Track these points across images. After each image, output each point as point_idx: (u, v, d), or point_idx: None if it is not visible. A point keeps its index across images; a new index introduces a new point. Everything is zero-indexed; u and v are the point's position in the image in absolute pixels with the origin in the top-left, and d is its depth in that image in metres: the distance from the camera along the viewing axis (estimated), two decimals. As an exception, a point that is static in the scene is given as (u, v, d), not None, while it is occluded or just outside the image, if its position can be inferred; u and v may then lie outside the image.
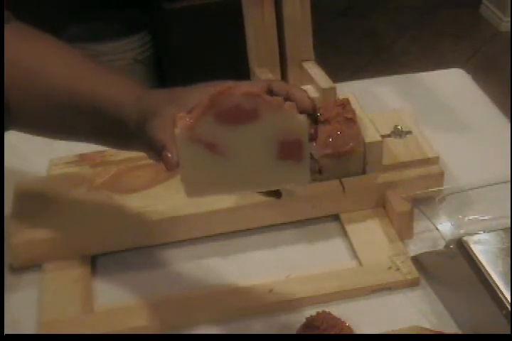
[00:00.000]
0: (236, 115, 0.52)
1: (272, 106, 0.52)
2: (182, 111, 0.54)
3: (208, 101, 0.52)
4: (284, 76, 0.91)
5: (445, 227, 0.75)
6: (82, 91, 0.63)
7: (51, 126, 0.67)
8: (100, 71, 0.66)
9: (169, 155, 0.53)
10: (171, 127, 0.53)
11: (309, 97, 0.56)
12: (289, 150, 0.54)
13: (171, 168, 0.53)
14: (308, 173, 0.55)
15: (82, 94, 0.63)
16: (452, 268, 0.71)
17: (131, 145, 0.63)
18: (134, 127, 0.60)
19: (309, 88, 0.88)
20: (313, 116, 0.56)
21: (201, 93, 0.56)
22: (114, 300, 0.74)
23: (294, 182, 0.56)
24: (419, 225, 0.79)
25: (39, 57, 0.66)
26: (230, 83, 0.55)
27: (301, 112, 0.54)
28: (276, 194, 0.60)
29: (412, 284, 0.73)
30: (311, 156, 0.56)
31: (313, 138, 0.55)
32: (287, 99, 0.55)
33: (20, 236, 0.76)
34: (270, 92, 0.56)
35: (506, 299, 0.63)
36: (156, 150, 0.55)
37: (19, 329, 0.71)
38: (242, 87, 0.53)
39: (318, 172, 0.58)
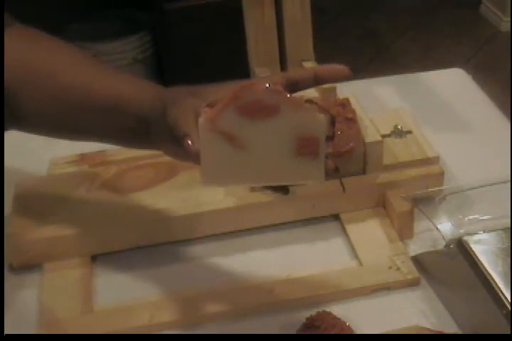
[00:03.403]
0: (257, 109, 0.53)
1: (292, 103, 0.54)
2: (203, 104, 0.56)
3: (231, 95, 0.53)
4: (284, 76, 0.91)
5: (445, 227, 0.75)
6: (99, 90, 0.63)
7: (63, 125, 0.67)
8: (112, 70, 0.67)
9: (190, 142, 0.54)
10: (193, 116, 0.55)
11: (338, 65, 0.58)
12: (305, 148, 0.55)
13: (191, 155, 0.54)
14: (323, 171, 0.56)
15: (100, 92, 0.63)
16: (452, 268, 0.70)
17: (147, 143, 0.63)
18: (155, 121, 0.60)
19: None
20: (330, 117, 0.57)
21: (222, 89, 0.57)
22: (114, 300, 0.74)
23: (308, 179, 0.57)
24: (419, 225, 0.79)
25: (50, 57, 0.66)
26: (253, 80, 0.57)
27: (341, 80, 0.57)
28: (284, 190, 0.61)
29: (412, 284, 0.73)
30: (326, 156, 0.57)
31: (330, 138, 0.56)
32: (318, 80, 0.58)
33: (20, 236, 0.76)
34: (294, 84, 0.58)
35: (506, 299, 0.63)
36: (177, 138, 0.56)
37: (19, 329, 0.71)
38: (264, 83, 0.54)
39: (335, 171, 0.58)
